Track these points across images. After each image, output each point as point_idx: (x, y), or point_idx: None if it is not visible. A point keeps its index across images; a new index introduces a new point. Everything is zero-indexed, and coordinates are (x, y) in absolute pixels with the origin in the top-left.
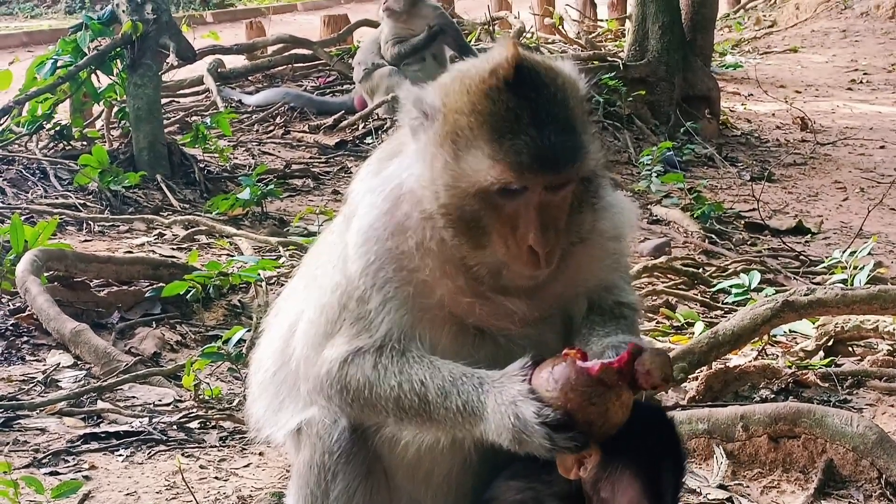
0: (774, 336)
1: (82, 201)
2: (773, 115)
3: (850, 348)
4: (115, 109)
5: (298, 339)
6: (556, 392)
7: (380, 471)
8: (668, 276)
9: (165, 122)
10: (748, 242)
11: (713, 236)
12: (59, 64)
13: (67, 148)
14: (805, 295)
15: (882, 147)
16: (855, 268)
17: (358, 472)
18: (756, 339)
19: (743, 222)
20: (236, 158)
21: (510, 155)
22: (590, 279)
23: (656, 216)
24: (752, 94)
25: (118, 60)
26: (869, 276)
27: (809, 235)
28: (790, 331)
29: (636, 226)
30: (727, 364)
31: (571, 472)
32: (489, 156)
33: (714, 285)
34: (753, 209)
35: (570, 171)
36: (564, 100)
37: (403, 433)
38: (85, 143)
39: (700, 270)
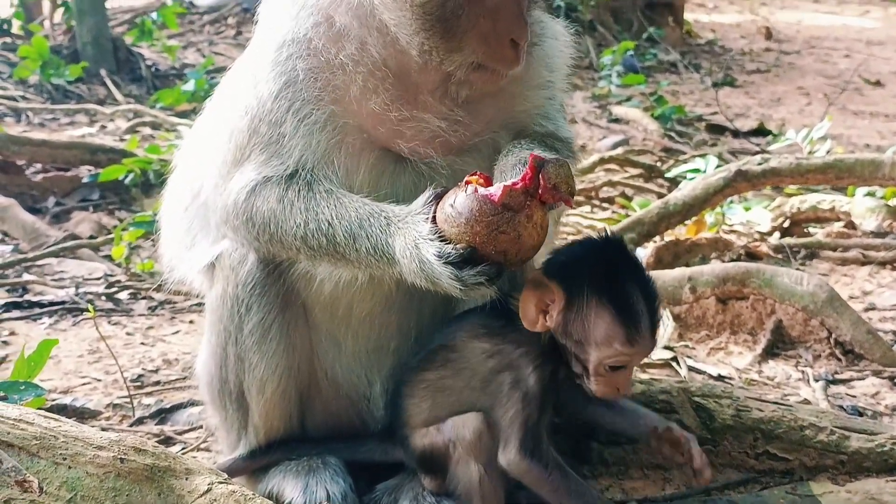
0: (731, 225)
1: (22, 94)
2: (738, 25)
3: (805, 230)
4: (59, 1)
5: (208, 169)
6: (462, 226)
7: (297, 306)
8: (625, 168)
9: (115, 20)
10: (709, 143)
11: (673, 135)
12: None
13: (8, 42)
14: (759, 164)
15: (847, 56)
16: (811, 144)
17: (273, 304)
18: (707, 208)
19: (704, 124)
20: (186, 58)
21: None
22: (521, 104)
23: (616, 116)
24: (717, 6)
25: None
26: (827, 153)
27: (771, 137)
28: (748, 221)
29: (571, 54)
30: (677, 236)
31: (537, 324)
32: None
33: (672, 178)
34: (715, 113)
35: None
36: None
37: (318, 270)
38: (27, 37)
39: (657, 164)
